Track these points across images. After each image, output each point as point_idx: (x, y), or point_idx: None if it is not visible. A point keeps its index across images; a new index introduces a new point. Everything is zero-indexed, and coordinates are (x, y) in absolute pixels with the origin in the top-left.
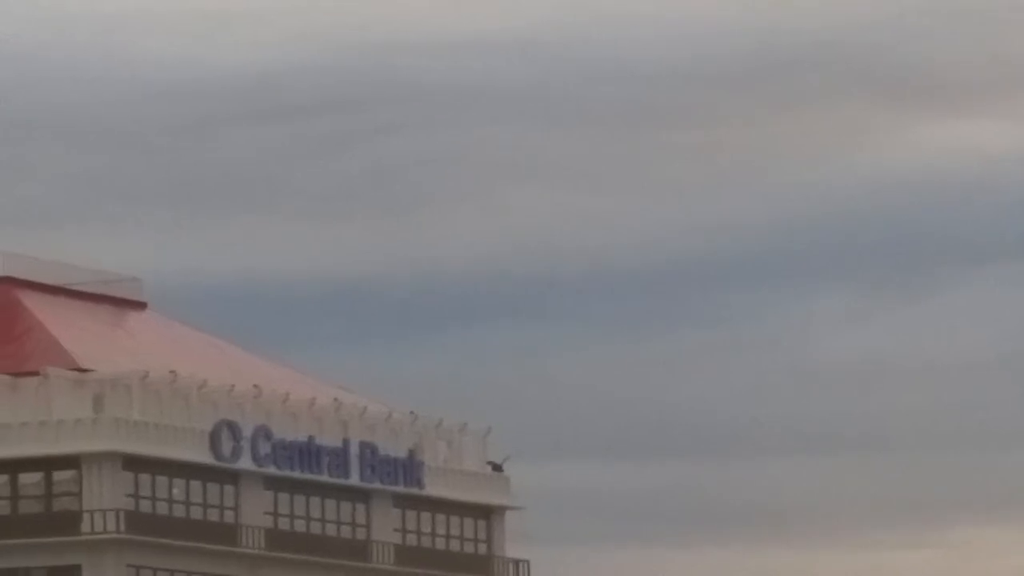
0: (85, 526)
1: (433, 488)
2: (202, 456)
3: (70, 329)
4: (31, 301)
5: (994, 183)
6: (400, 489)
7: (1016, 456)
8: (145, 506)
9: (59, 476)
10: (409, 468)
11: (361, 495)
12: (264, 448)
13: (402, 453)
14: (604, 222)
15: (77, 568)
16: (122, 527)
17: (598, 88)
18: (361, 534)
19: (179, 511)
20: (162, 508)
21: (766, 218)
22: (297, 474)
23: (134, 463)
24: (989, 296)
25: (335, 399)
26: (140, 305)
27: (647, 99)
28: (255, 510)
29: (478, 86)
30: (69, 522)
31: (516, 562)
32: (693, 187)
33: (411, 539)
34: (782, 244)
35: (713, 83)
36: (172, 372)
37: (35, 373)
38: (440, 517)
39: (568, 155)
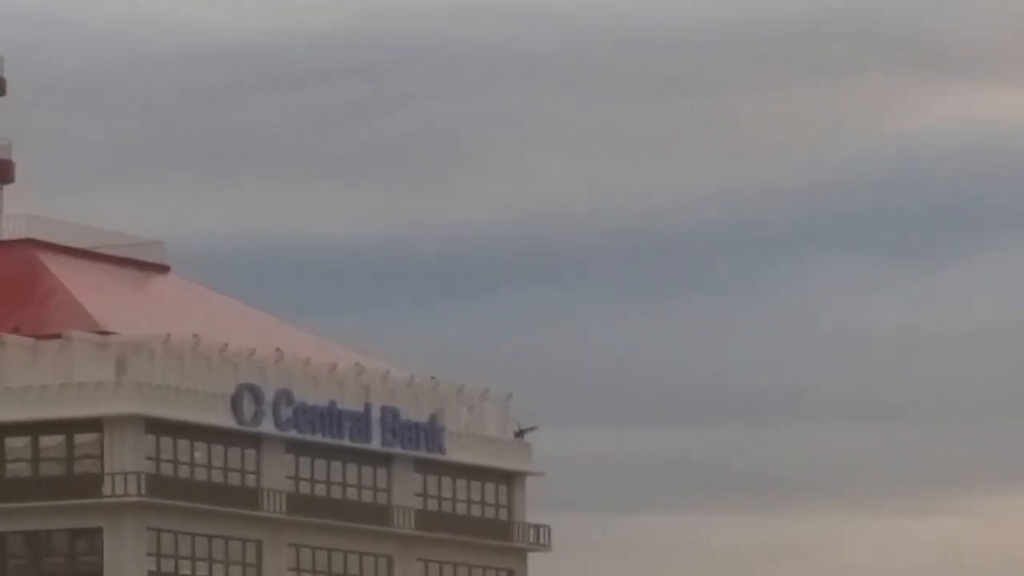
0: (106, 489)
1: (454, 453)
2: (224, 420)
3: (93, 292)
4: (54, 264)
5: (1018, 151)
6: (421, 454)
7: None
8: (166, 469)
9: (80, 439)
10: (430, 433)
11: (382, 459)
12: (286, 412)
13: (423, 418)
14: (628, 189)
15: (98, 531)
16: (143, 490)
17: (624, 55)
18: (382, 499)
19: (200, 474)
20: (183, 471)
21: (789, 186)
22: (318, 438)
23: (156, 426)
24: (1010, 264)
25: (357, 363)
26: (163, 268)
27: (672, 67)
28: (276, 474)
29: (503, 52)
30: (90, 485)
31: (537, 527)
32: (717, 155)
33: (432, 504)
34: (805, 213)
35: (736, 51)
36: (194, 335)
37: (57, 336)
38: (461, 482)
39: (592, 122)
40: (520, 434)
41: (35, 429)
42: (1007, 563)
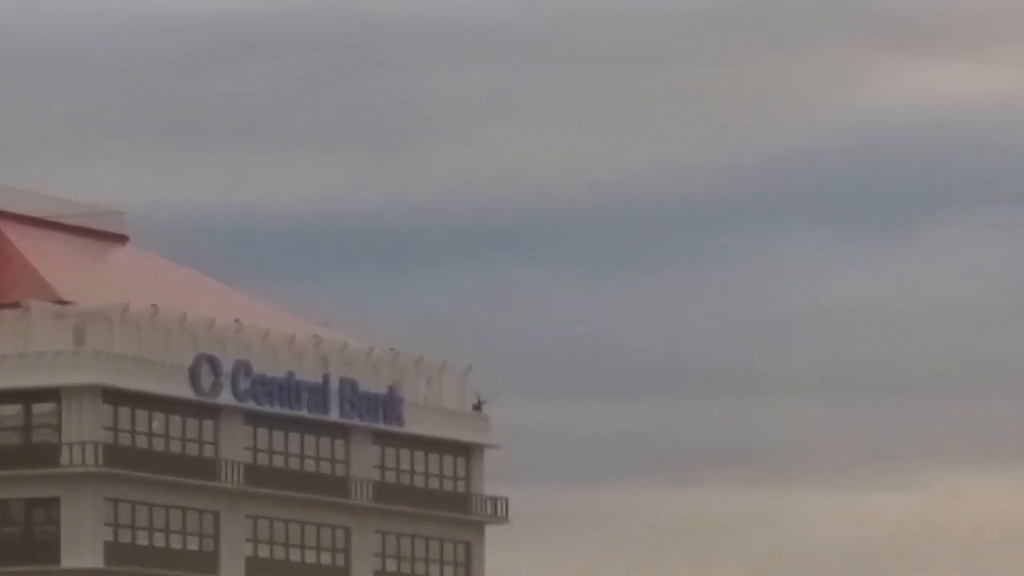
0: (64, 459)
1: (412, 425)
2: (182, 390)
3: (51, 261)
4: (12, 232)
5: (979, 126)
6: (379, 426)
7: (1004, 400)
8: (124, 439)
9: (38, 408)
10: (389, 405)
11: (340, 431)
12: (244, 383)
13: (382, 390)
14: (593, 162)
15: (55, 500)
16: (101, 460)
17: (591, 28)
18: (340, 470)
19: (158, 445)
20: (141, 442)
21: (758, 160)
22: (277, 409)
23: (114, 396)
24: (978, 239)
25: (315, 335)
26: (122, 238)
27: (640, 40)
28: (234, 445)
29: (469, 24)
30: (48, 454)
31: (495, 500)
32: (682, 129)
33: (390, 476)
34: (773, 186)
35: (706, 24)
36: (153, 306)
37: (15, 305)
38: (419, 454)
39: (559, 95)
40: (478, 406)
41: None
42: (965, 537)
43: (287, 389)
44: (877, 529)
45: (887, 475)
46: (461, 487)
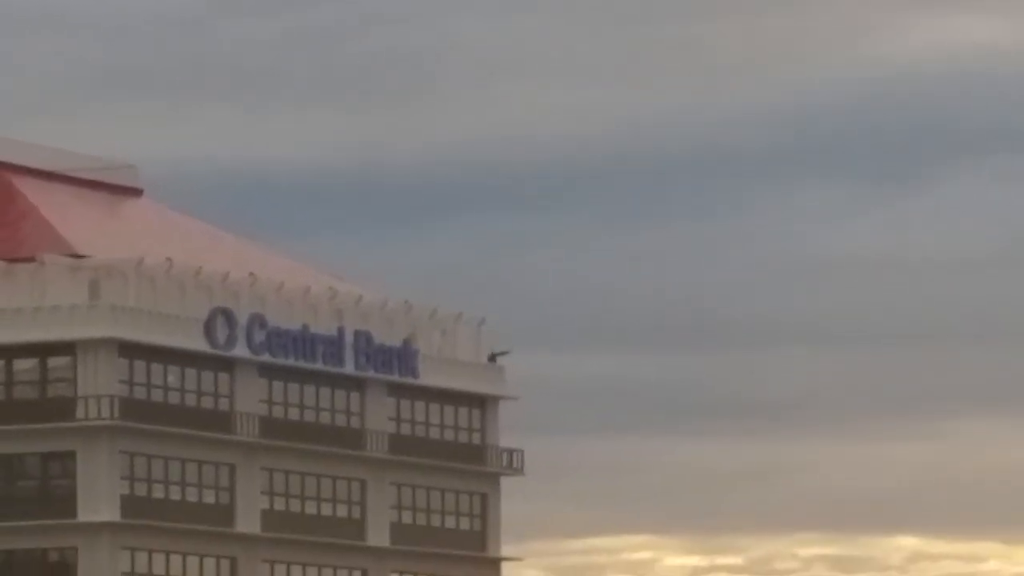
0: (79, 412)
1: (427, 377)
2: (197, 343)
3: (66, 215)
4: (27, 187)
5: (992, 76)
6: (394, 378)
7: (1017, 349)
8: (140, 393)
9: (54, 362)
10: (404, 357)
11: (355, 384)
12: (259, 336)
13: (397, 342)
14: (605, 113)
15: (71, 454)
16: (116, 414)
17: None
18: (355, 423)
19: (174, 398)
20: (157, 395)
21: (764, 111)
22: (292, 362)
23: (129, 350)
24: (988, 189)
25: (330, 288)
26: (136, 192)
27: None
28: (249, 398)
29: None
30: (63, 408)
31: (510, 451)
32: (694, 80)
33: (405, 428)
34: (779, 136)
35: None
36: (168, 259)
37: (30, 259)
38: (434, 406)
39: (565, 47)
40: (493, 358)
41: (8, 352)
42: (979, 487)
43: (302, 342)
44: (890, 479)
45: (900, 425)
46: (476, 439)
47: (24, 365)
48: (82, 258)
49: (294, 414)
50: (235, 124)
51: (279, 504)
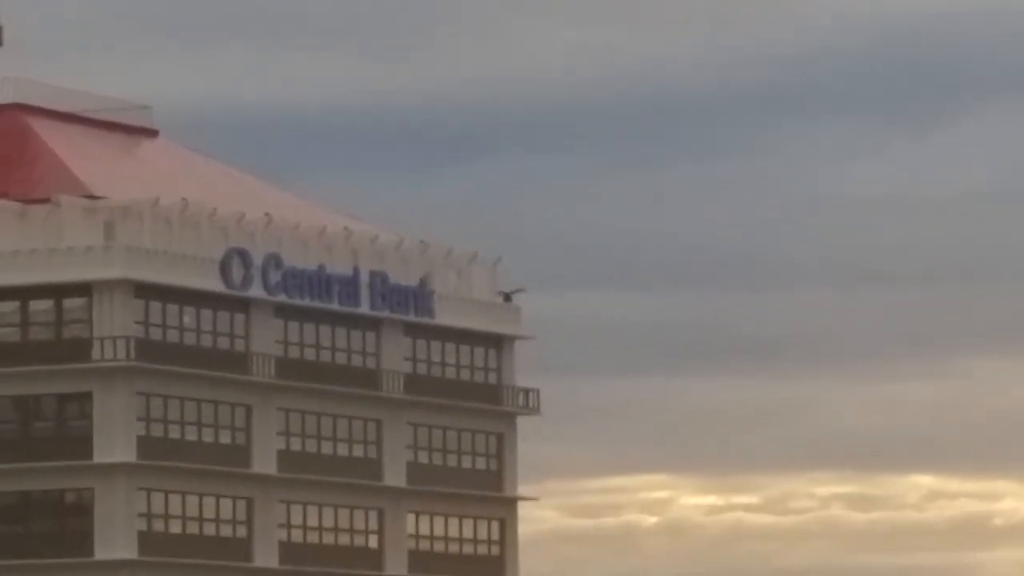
0: (95, 353)
1: (443, 317)
2: (213, 284)
3: (81, 156)
4: (42, 128)
5: (1003, 16)
6: (410, 318)
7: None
8: (155, 334)
9: (69, 303)
10: (419, 297)
11: (371, 324)
12: (274, 276)
13: (412, 282)
14: (617, 55)
15: (87, 395)
16: (132, 354)
17: None
18: (371, 363)
19: (190, 339)
20: (172, 336)
21: (775, 50)
22: (307, 302)
23: (145, 291)
24: (999, 129)
25: (345, 228)
26: (151, 133)
27: None
28: (265, 338)
29: None
30: (79, 349)
31: (526, 391)
32: (702, 21)
33: (421, 368)
34: (791, 76)
35: None
36: (183, 200)
37: (46, 200)
38: (450, 346)
39: None
40: (508, 297)
41: (24, 294)
42: (994, 425)
43: (318, 282)
44: (906, 418)
45: (916, 364)
46: (492, 378)
47: (40, 306)
48: (98, 199)
49: (310, 354)
50: (251, 65)
51: (295, 444)
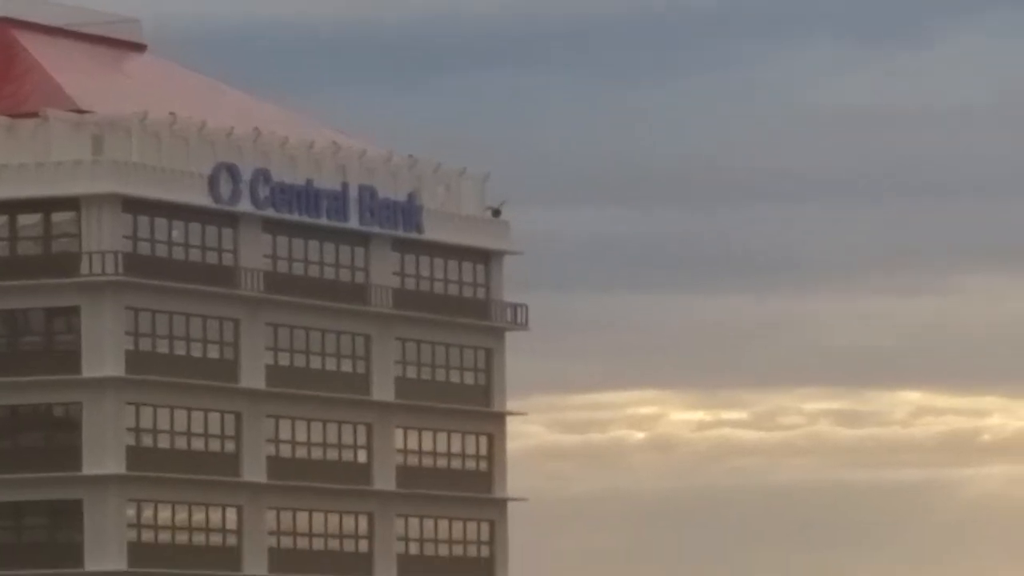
0: (84, 268)
1: (432, 232)
2: (201, 198)
3: (69, 70)
4: (30, 42)
5: None
6: (399, 233)
7: (1013, 203)
8: (144, 248)
9: (58, 218)
10: (408, 212)
11: (360, 238)
12: (263, 191)
13: (401, 197)
14: None
15: (75, 309)
16: (121, 269)
17: None
18: (360, 277)
19: (178, 253)
20: (161, 250)
21: None
22: (296, 217)
23: (133, 205)
24: (994, 43)
25: (334, 142)
26: (139, 47)
27: None
28: (254, 253)
29: None
30: (68, 264)
31: (514, 306)
32: None
33: (409, 283)
34: None
35: None
36: (171, 114)
37: (34, 114)
38: (438, 261)
39: None
40: (496, 212)
41: (12, 208)
42: (980, 340)
43: (306, 196)
44: (894, 334)
45: (903, 280)
46: (481, 293)
47: (28, 221)
48: (85, 113)
49: (298, 269)
50: None
51: (283, 359)
